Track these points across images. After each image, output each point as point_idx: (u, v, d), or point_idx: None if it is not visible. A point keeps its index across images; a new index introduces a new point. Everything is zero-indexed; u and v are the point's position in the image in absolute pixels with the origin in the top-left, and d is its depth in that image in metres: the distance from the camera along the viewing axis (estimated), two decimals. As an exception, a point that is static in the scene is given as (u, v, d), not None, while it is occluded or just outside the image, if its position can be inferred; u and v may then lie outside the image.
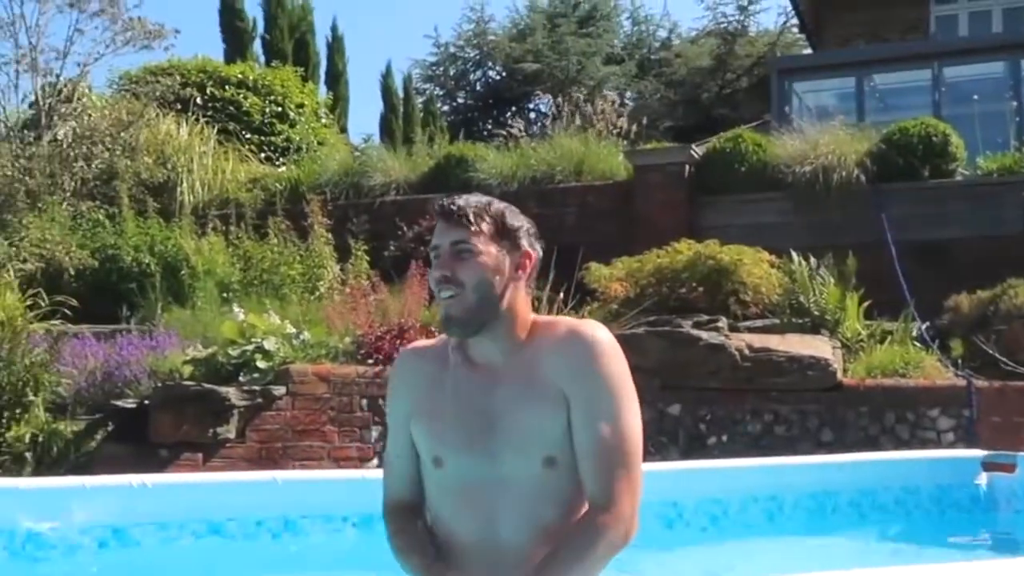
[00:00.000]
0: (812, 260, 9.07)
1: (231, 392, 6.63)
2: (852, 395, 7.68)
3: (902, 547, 6.30)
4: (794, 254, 9.16)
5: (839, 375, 7.70)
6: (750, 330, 8.59)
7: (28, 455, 6.43)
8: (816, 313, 8.74)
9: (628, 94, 22.78)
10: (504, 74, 23.90)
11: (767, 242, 9.80)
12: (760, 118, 15.01)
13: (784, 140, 10.94)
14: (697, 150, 11.09)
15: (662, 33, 24.99)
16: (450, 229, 2.17)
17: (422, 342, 2.43)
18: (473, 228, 2.15)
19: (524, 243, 2.23)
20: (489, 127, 22.87)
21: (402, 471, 2.32)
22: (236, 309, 7.53)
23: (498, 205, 2.24)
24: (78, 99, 12.66)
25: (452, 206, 2.17)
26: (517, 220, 2.24)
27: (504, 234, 2.20)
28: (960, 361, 8.24)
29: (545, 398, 2.12)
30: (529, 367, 2.16)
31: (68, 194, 11.54)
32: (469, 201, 2.19)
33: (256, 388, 6.77)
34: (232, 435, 6.65)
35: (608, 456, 2.07)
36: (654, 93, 22.37)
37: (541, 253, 2.29)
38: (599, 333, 2.15)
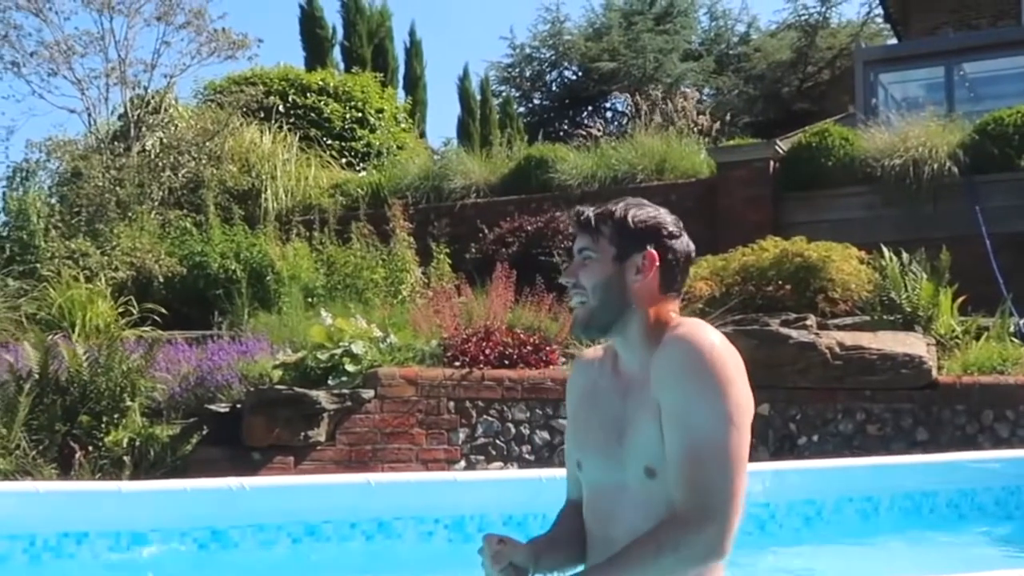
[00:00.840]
0: (904, 255, 8.88)
1: (321, 396, 6.69)
2: (948, 393, 7.48)
3: (1002, 549, 6.12)
4: (885, 249, 8.97)
5: (934, 373, 7.51)
6: (839, 328, 8.43)
7: (126, 459, 6.55)
8: (908, 310, 8.54)
9: (706, 90, 22.60)
10: (580, 74, 23.86)
11: (855, 238, 9.63)
12: (843, 111, 14.75)
13: (872, 133, 10.73)
14: (782, 145, 10.93)
15: (740, 27, 24.76)
16: (579, 235, 2.22)
17: (591, 351, 2.42)
18: (595, 234, 2.18)
19: (648, 243, 2.18)
20: (566, 127, 22.83)
21: (570, 472, 2.41)
22: (324, 313, 7.60)
23: (626, 206, 2.21)
24: (165, 110, 12.95)
25: (581, 213, 2.22)
26: (643, 220, 2.19)
27: (625, 236, 2.18)
28: (1061, 357, 7.99)
29: (647, 407, 2.11)
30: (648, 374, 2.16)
31: (156, 203, 11.80)
32: (599, 207, 2.23)
33: (345, 392, 6.82)
34: (322, 438, 6.71)
35: (690, 466, 2.02)
36: (732, 89, 22.13)
37: (686, 249, 2.24)
38: (695, 336, 2.08)
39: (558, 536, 2.34)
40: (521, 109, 24.52)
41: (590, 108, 24.40)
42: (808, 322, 8.53)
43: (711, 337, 2.08)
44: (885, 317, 8.56)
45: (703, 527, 1.97)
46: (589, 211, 2.21)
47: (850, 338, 7.54)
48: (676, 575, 2.01)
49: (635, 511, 2.11)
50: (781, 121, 19.30)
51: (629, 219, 2.18)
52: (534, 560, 2.24)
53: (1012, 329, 8.42)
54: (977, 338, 8.33)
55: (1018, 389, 7.42)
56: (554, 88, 24.72)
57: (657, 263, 2.17)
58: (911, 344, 7.53)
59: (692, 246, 2.24)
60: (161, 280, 10.09)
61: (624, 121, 22.04)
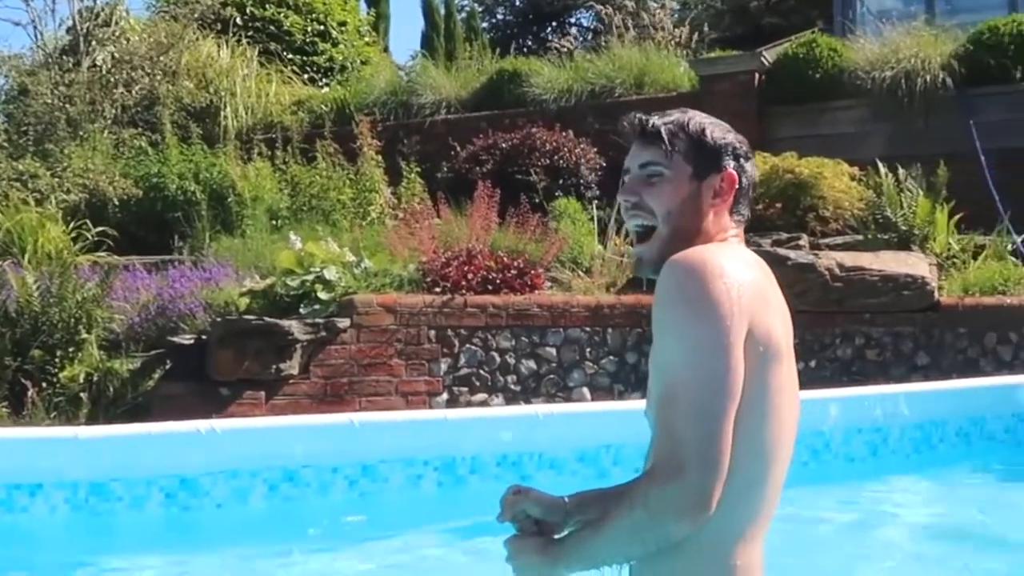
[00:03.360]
0: (899, 171, 8.51)
1: (293, 325, 6.25)
2: (950, 315, 7.19)
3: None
4: (880, 165, 8.60)
5: (936, 294, 7.20)
6: (831, 248, 8.10)
7: (83, 396, 6.12)
8: (903, 228, 8.21)
9: (673, 4, 21.95)
10: (544, -14, 23.13)
11: (844, 154, 9.24)
12: (813, 26, 14.23)
13: (862, 44, 10.27)
14: (767, 56, 10.45)
15: (707, -64, 23.97)
16: (642, 149, 1.87)
17: None
18: (666, 148, 1.84)
19: (728, 163, 1.87)
20: (530, 44, 22.23)
21: None
22: (292, 237, 7.12)
23: (699, 120, 1.89)
24: (116, 22, 12.27)
25: (645, 122, 1.87)
26: (721, 136, 1.88)
27: (703, 153, 1.85)
28: (1063, 276, 7.72)
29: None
30: None
31: (109, 122, 11.20)
32: (665, 117, 1.88)
33: (319, 321, 6.39)
34: (295, 371, 6.30)
35: (662, 410, 1.69)
36: (699, 2, 21.50)
37: (754, 173, 1.93)
38: (682, 257, 1.74)
39: (614, 493, 1.94)
40: (484, 25, 23.82)
41: (555, 24, 23.78)
42: (801, 242, 8.18)
43: (700, 256, 1.72)
44: (879, 236, 8.23)
45: (670, 480, 1.64)
46: (657, 120, 1.86)
47: (850, 258, 7.20)
48: (661, 535, 1.67)
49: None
50: (749, 36, 18.78)
51: (708, 134, 1.86)
52: (568, 515, 1.91)
53: (1010, 248, 8.13)
54: (975, 257, 8.04)
55: (1022, 310, 7.14)
56: (517, 3, 24.01)
57: (737, 185, 1.86)
58: (913, 264, 7.22)
59: (757, 170, 1.96)
60: (116, 203, 9.58)
61: (589, 37, 21.41)
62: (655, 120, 1.86)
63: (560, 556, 1.80)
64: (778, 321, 1.77)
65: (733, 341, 1.67)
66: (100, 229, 8.67)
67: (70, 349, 6.37)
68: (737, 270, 1.72)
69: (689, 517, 1.65)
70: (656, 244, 1.84)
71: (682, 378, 1.67)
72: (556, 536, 1.89)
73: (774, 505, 1.80)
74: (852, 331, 7.20)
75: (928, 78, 9.59)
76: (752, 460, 1.72)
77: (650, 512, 1.65)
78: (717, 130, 1.87)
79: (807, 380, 7.13)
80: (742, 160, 1.88)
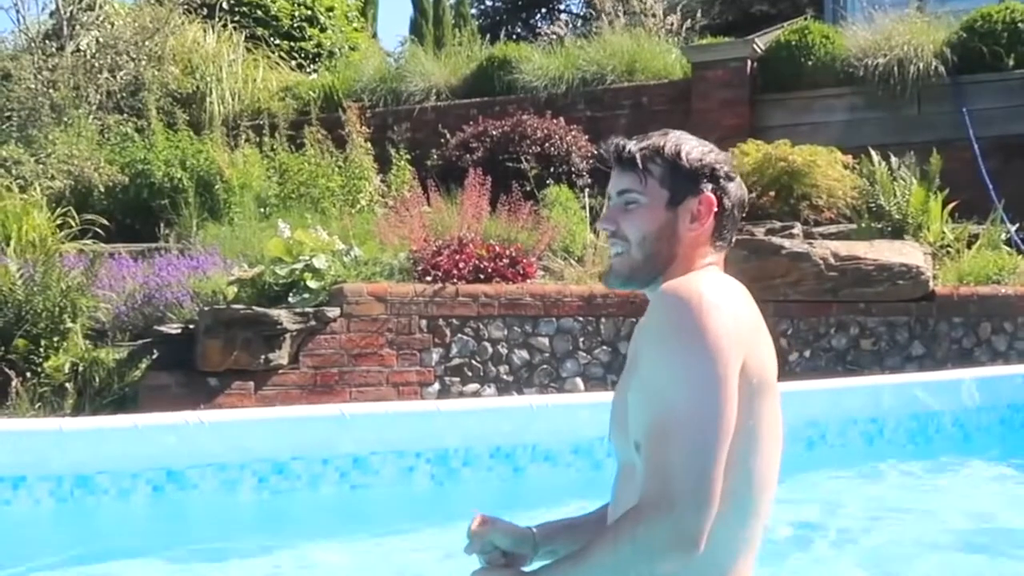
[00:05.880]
0: (892, 159, 8.45)
1: (282, 315, 6.15)
2: (945, 305, 7.14)
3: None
4: (873, 153, 8.54)
5: (931, 283, 7.14)
6: (824, 236, 8.04)
7: (69, 386, 6.01)
8: (897, 217, 8.15)
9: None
10: (533, -27, 22.99)
11: (836, 141, 9.19)
12: (802, 13, 14.16)
13: (854, 31, 10.19)
14: (759, 43, 10.37)
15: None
16: (620, 176, 1.85)
17: None
18: (641, 174, 1.82)
19: (706, 186, 1.82)
20: (519, 30, 22.08)
21: None
22: (281, 225, 7.01)
23: (676, 142, 1.83)
24: (100, 6, 12.12)
25: (621, 148, 1.85)
26: (698, 159, 1.82)
27: (679, 177, 1.82)
28: (1057, 265, 7.68)
29: (635, 371, 1.76)
30: None
31: (94, 107, 11.07)
32: (643, 141, 1.84)
33: (308, 310, 6.29)
34: (284, 361, 6.20)
35: (652, 443, 1.65)
36: (688, -11, 21.39)
37: (741, 194, 1.87)
38: (675, 287, 1.71)
39: (581, 523, 1.98)
40: (473, 11, 23.65)
41: (544, 10, 23.62)
42: (795, 231, 8.14)
43: (695, 287, 1.70)
44: (873, 225, 8.18)
45: (661, 515, 1.60)
46: (632, 145, 1.84)
47: (845, 248, 7.14)
48: (646, 572, 1.64)
49: (633, 496, 1.70)
50: (739, 24, 18.68)
51: (684, 157, 1.82)
52: (536, 546, 1.91)
53: (1004, 237, 8.08)
54: (969, 246, 7.99)
55: (1017, 300, 7.11)
56: (506, -12, 23.87)
57: (715, 208, 1.82)
58: (908, 253, 7.16)
59: (745, 190, 1.90)
60: (102, 190, 9.47)
61: (579, 24, 21.27)
62: (631, 146, 1.83)
63: None
64: (767, 353, 1.74)
65: (729, 375, 1.64)
66: (85, 216, 8.55)
67: (55, 339, 6.26)
68: (731, 302, 1.71)
69: (678, 554, 1.61)
70: (627, 263, 1.83)
71: (676, 412, 1.62)
72: (525, 569, 1.85)
73: (759, 537, 1.77)
74: (847, 321, 7.14)
75: (921, 66, 9.53)
76: (740, 491, 1.68)
77: (637, 548, 1.61)
78: (695, 152, 1.82)
79: (801, 371, 7.11)
80: (723, 181, 1.83)
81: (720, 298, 1.68)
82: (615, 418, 1.84)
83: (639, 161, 1.81)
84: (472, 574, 1.82)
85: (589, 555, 1.66)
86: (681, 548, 1.60)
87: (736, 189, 1.85)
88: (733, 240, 1.88)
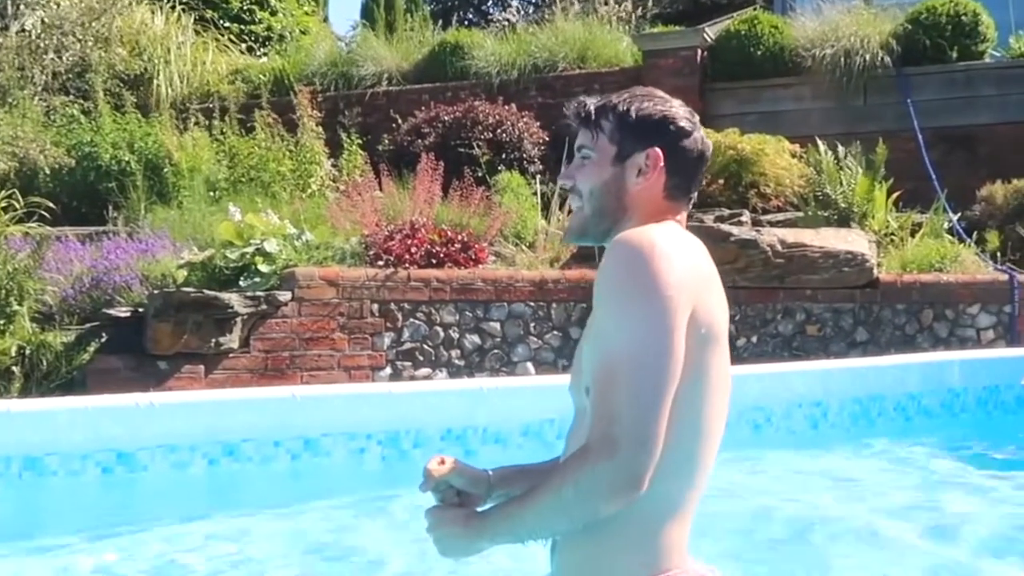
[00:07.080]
0: (839, 149, 8.59)
1: (233, 298, 6.13)
2: (889, 292, 7.28)
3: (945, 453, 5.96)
4: (820, 143, 8.67)
5: (875, 271, 7.28)
6: (772, 224, 8.16)
7: (16, 369, 5.95)
8: (843, 205, 8.29)
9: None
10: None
11: (783, 131, 9.32)
12: (752, 4, 14.30)
13: (802, 22, 10.32)
14: (710, 33, 10.47)
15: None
16: (580, 132, 1.90)
17: None
18: (594, 129, 1.87)
19: (654, 141, 1.83)
20: (471, 16, 22.02)
21: None
22: (232, 208, 6.98)
23: (630, 98, 1.87)
24: (45, -15, 11.86)
25: (578, 104, 1.90)
26: (648, 114, 1.84)
27: (626, 132, 1.84)
28: (997, 254, 7.86)
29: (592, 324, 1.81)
30: None
31: (39, 88, 10.89)
32: (602, 99, 1.89)
33: (259, 294, 6.28)
34: (235, 344, 6.19)
35: (599, 387, 1.68)
36: (641, -23, 21.47)
37: (699, 148, 1.87)
38: (628, 236, 1.74)
39: (536, 468, 1.98)
40: (425, -3, 23.54)
41: (494, -3, 23.54)
42: (743, 218, 8.25)
43: (647, 237, 1.72)
44: (819, 213, 8.31)
45: (603, 457, 1.62)
46: (590, 103, 1.89)
47: (792, 235, 7.25)
48: (590, 512, 1.66)
49: (584, 441, 1.72)
50: (690, 13, 18.80)
51: (632, 112, 1.84)
52: (491, 488, 1.93)
53: (947, 226, 8.25)
54: (912, 235, 8.15)
55: (958, 288, 7.27)
56: (458, -25, 23.72)
57: (662, 163, 1.82)
58: (853, 241, 7.29)
59: (708, 144, 1.89)
60: (47, 172, 9.34)
61: (532, 10, 21.28)
62: (589, 103, 1.87)
63: (483, 528, 1.78)
64: (719, 305, 1.76)
65: (676, 323, 1.66)
66: (31, 199, 8.43)
67: (1, 322, 6.19)
68: (683, 252, 1.73)
69: (619, 496, 1.64)
70: (578, 218, 1.88)
71: (622, 355, 1.65)
72: (479, 509, 1.87)
73: (703, 485, 1.80)
74: (793, 307, 7.26)
75: (867, 57, 9.68)
76: (686, 439, 1.71)
77: (579, 489, 1.64)
78: (648, 106, 1.84)
79: (748, 356, 7.21)
80: (676, 136, 1.83)
81: (671, 247, 1.70)
82: (575, 366, 1.87)
83: (593, 116, 1.86)
84: (426, 511, 1.84)
85: (535, 496, 1.69)
86: (623, 489, 1.62)
87: (692, 143, 1.84)
88: (694, 195, 1.89)
